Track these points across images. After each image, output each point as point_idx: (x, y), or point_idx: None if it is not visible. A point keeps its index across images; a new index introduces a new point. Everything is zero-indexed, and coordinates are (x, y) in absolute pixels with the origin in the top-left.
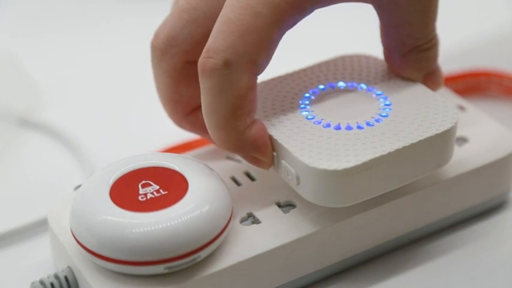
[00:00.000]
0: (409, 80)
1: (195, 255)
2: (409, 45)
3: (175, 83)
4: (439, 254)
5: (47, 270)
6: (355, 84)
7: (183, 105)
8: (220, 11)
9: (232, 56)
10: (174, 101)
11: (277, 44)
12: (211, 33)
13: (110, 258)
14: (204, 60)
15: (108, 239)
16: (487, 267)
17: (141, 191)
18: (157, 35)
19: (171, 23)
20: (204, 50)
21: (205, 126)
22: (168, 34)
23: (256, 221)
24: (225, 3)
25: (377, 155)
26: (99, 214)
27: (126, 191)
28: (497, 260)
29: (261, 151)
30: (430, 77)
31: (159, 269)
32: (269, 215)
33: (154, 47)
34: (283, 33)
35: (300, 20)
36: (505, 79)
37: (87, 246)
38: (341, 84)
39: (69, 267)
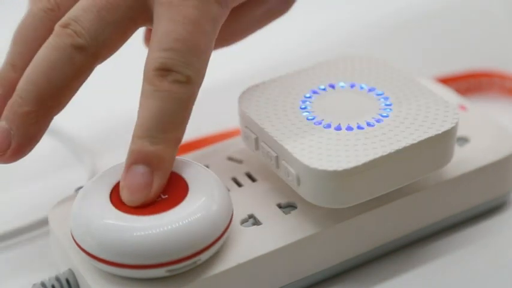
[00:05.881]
0: (410, 79)
1: (196, 258)
2: None
3: None
4: (440, 254)
5: (48, 272)
6: (355, 85)
7: None
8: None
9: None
10: None
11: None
12: None
13: (111, 262)
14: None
15: (108, 242)
16: (487, 268)
17: None
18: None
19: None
20: None
21: None
22: None
23: (257, 223)
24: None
25: (377, 156)
26: (100, 217)
27: None
28: (497, 260)
29: None
30: None
31: (160, 272)
32: (270, 216)
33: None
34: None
35: None
36: (507, 80)
37: (88, 250)
38: (341, 84)
39: (70, 269)
